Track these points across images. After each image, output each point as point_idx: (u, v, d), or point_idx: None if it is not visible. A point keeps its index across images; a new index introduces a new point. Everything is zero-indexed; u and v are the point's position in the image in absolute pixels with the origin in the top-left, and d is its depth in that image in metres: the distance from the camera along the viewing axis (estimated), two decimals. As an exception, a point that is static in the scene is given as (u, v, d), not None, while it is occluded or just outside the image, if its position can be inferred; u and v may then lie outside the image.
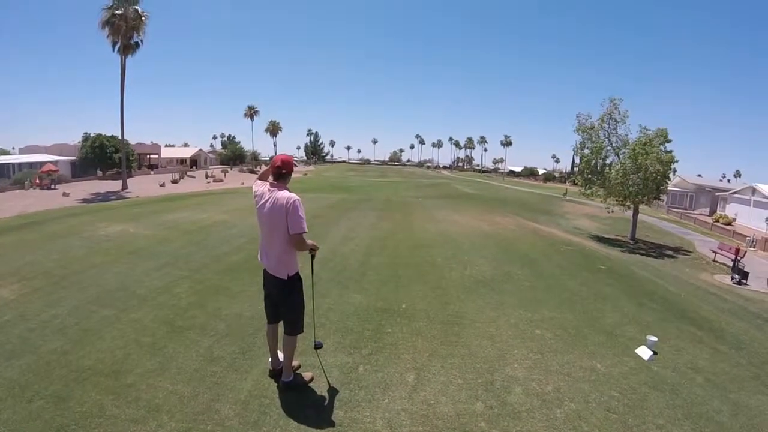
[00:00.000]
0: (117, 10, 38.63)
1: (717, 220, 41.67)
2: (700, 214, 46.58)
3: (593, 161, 27.04)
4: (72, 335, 4.76)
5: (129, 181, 43.54)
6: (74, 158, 48.85)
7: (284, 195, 3.55)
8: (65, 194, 34.03)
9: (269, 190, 3.65)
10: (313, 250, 3.85)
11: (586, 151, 27.30)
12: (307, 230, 3.58)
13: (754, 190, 40.81)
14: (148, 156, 66.93)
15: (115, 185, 41.68)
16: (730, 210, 44.36)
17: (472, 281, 8.03)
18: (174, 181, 49.05)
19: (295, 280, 3.77)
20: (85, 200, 31.65)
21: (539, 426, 3.62)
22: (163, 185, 44.12)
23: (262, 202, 3.65)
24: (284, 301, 3.80)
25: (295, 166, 4.25)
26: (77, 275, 7.08)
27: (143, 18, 40.31)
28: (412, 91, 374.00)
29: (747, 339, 7.35)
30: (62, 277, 6.94)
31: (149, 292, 6.36)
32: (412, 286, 7.47)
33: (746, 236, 29.65)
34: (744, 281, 17.00)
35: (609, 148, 27.03)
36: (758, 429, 4.13)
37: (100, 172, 49.83)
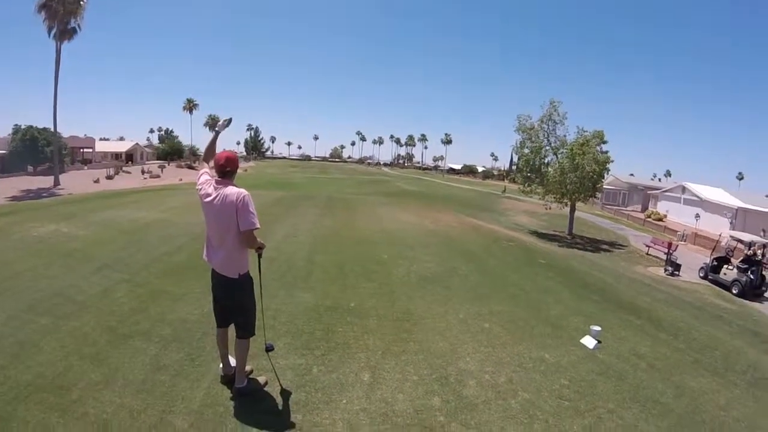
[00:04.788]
0: None
1: (649, 216, 44.80)
2: (633, 211, 49.97)
3: (532, 160, 28.26)
4: (8, 348, 4.31)
5: (62, 176, 40.74)
6: (3, 152, 45.47)
7: (233, 191, 3.47)
8: (-7, 192, 31.24)
9: (215, 187, 3.55)
10: (260, 249, 3.76)
11: (526, 151, 28.61)
12: (259, 226, 3.52)
13: (684, 189, 44.39)
14: (81, 150, 63.48)
15: (46, 181, 38.98)
16: (662, 207, 47.87)
17: (418, 278, 8.15)
18: (109, 177, 46.52)
19: (247, 279, 3.68)
20: (14, 198, 29.48)
21: (495, 416, 3.75)
22: (97, 181, 41.78)
23: (209, 199, 3.54)
24: (235, 302, 3.70)
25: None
26: (9, 281, 6.45)
27: (82, 2, 38.25)
28: (354, 88, 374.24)
29: (684, 326, 8.00)
30: (-8, 286, 6.32)
31: (88, 297, 5.92)
32: (360, 284, 7.47)
33: (677, 231, 32.04)
34: (677, 273, 18.37)
35: (548, 147, 28.53)
36: (701, 409, 4.54)
37: (30, 168, 46.61)
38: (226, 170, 3.60)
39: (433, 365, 4.61)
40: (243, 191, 3.49)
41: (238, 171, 3.80)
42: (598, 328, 5.97)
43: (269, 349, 4.27)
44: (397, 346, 5.01)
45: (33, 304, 5.57)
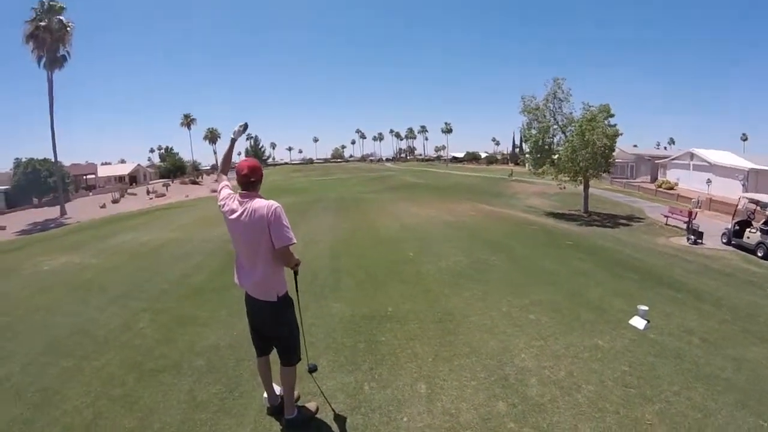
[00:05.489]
0: (41, 21, 36.53)
1: (660, 186, 44.39)
2: (643, 182, 49.59)
3: (541, 141, 27.98)
4: (30, 398, 4.13)
5: (67, 205, 41.23)
6: (7, 187, 46.22)
7: (262, 204, 3.17)
8: (1, 228, 31.55)
9: (240, 201, 3.26)
10: (296, 266, 3.47)
11: (534, 132, 28.28)
12: (296, 241, 3.22)
13: (692, 155, 43.95)
14: (84, 177, 64.70)
15: (53, 212, 39.36)
16: (671, 175, 47.44)
17: (450, 274, 8.02)
18: (115, 201, 46.98)
19: (286, 300, 3.40)
20: (23, 231, 29.67)
21: (566, 415, 3.62)
22: (103, 206, 41.99)
23: (234, 216, 3.24)
24: (277, 328, 3.41)
25: None
26: (23, 322, 6.34)
27: (68, 29, 38.28)
28: (350, 86, 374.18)
29: (722, 296, 7.85)
30: (6, 327, 6.10)
31: (108, 332, 5.76)
32: (391, 286, 7.34)
33: (691, 198, 31.65)
34: (700, 241, 18.18)
35: (556, 126, 28.16)
36: (761, 380, 4.43)
37: (36, 200, 47.26)
38: (251, 181, 3.28)
39: (489, 366, 4.46)
40: (274, 203, 3.18)
41: None
42: (646, 308, 5.83)
43: (312, 369, 4.05)
44: (447, 350, 4.86)
45: (51, 345, 5.43)
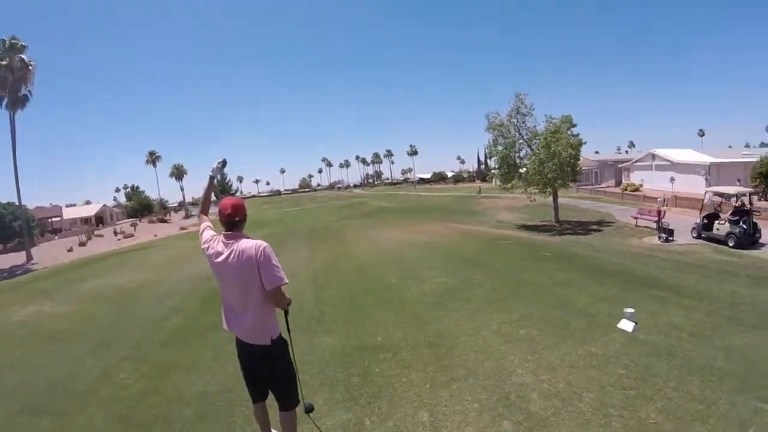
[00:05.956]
0: (1, 60, 35.40)
1: (625, 189, 45.68)
2: (608, 187, 50.94)
3: (508, 156, 28.58)
4: None
5: (33, 250, 39.46)
6: None
7: (249, 244, 3.02)
8: (-35, 277, 29.97)
9: (225, 242, 3.10)
10: (287, 305, 3.32)
11: (500, 148, 28.88)
12: (287, 281, 3.09)
13: (654, 156, 45.64)
14: (49, 219, 63.11)
15: (18, 257, 37.59)
16: (635, 177, 48.96)
17: (435, 296, 8.06)
18: (82, 244, 45.26)
19: (281, 342, 3.24)
20: None
21: (572, 425, 3.64)
22: (71, 250, 40.38)
23: (221, 259, 3.08)
24: (273, 371, 3.25)
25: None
26: None
27: (30, 67, 37.11)
28: (314, 116, 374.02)
29: (702, 288, 8.11)
30: (-23, 386, 5.87)
31: (89, 385, 5.53)
32: (378, 314, 7.32)
33: (657, 198, 32.60)
34: (671, 238, 18.74)
35: (521, 141, 28.88)
36: (754, 365, 4.61)
37: (0, 245, 45.13)
38: (235, 221, 3.13)
39: (488, 387, 4.46)
40: (261, 243, 3.04)
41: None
42: (632, 310, 5.98)
43: (309, 409, 3.83)
44: (444, 375, 4.83)
45: (28, 403, 5.20)
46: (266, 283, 3.00)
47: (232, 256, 3.03)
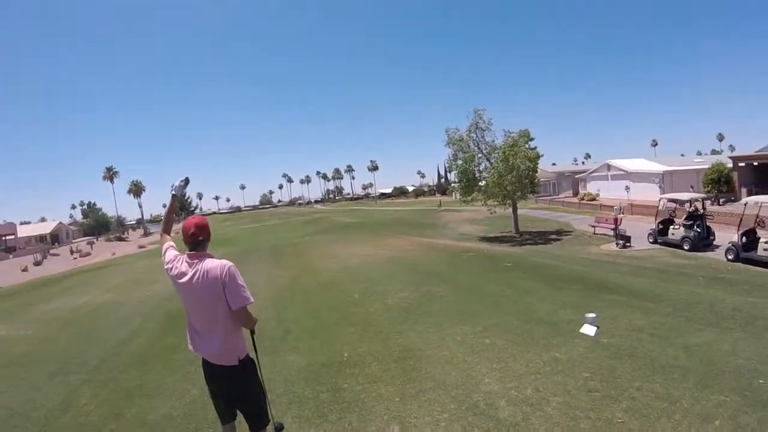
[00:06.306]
0: None
1: (582, 199, 47.20)
2: (566, 197, 52.58)
3: (467, 170, 29.11)
4: None
5: None
6: None
7: (214, 264, 2.98)
8: None
9: (189, 262, 3.05)
10: (253, 324, 3.29)
11: (460, 162, 29.41)
12: (253, 300, 3.05)
13: (609, 166, 47.52)
14: (3, 237, 61.57)
15: None
16: (592, 187, 50.76)
17: (399, 310, 8.04)
18: (37, 263, 44.03)
19: (248, 362, 3.19)
20: None
21: (541, 429, 3.66)
22: (25, 269, 39.05)
23: (184, 279, 3.02)
24: (241, 392, 3.19)
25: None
26: None
27: None
28: (273, 131, 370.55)
29: (661, 291, 8.40)
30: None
31: (48, 411, 5.27)
32: (343, 330, 7.24)
33: (613, 206, 33.76)
34: (629, 244, 19.47)
35: (480, 155, 29.52)
36: (713, 360, 4.81)
37: None
38: (199, 240, 3.09)
39: (457, 397, 4.44)
40: (227, 263, 3.01)
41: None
42: (593, 315, 6.13)
43: (279, 428, 3.74)
44: (412, 387, 4.79)
45: None
46: (232, 304, 2.95)
47: (196, 276, 2.98)
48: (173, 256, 3.17)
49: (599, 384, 4.37)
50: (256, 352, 3.37)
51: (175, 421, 4.68)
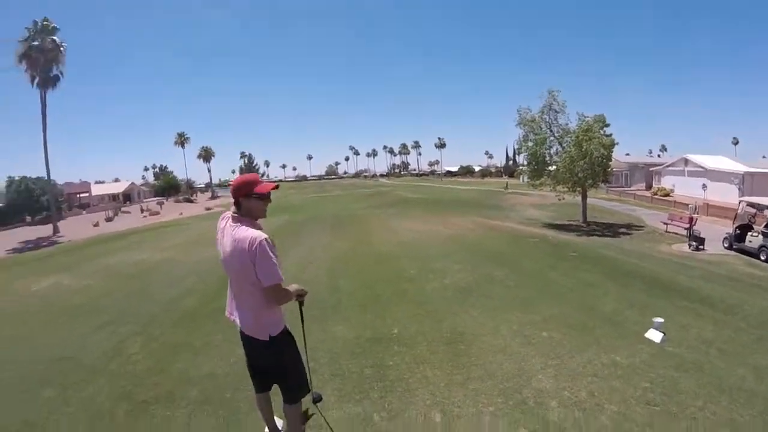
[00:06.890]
0: (33, 41, 36.76)
1: (656, 193, 44.57)
2: (638, 190, 49.75)
3: (538, 152, 28.04)
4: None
5: (60, 223, 40.85)
6: (0, 205, 46.45)
7: (246, 234, 2.73)
8: (-8, 245, 31.21)
9: (231, 224, 2.86)
10: (300, 296, 3.14)
11: (530, 144, 28.33)
12: (283, 279, 2.80)
13: (686, 161, 44.29)
14: (78, 195, 64.83)
15: (46, 230, 38.91)
16: (666, 182, 47.68)
17: (455, 291, 7.87)
18: (108, 219, 46.64)
19: (282, 338, 2.98)
20: (15, 250, 29.26)
21: (591, 439, 3.45)
22: (97, 225, 41.62)
23: (221, 243, 2.90)
24: (275, 367, 3.05)
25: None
26: (4, 348, 6.13)
27: (62, 49, 38.50)
28: (343, 104, 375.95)
29: (735, 303, 7.73)
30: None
31: (97, 358, 5.53)
32: (395, 306, 7.15)
33: (687, 204, 31.70)
34: (702, 247, 18.16)
35: (552, 138, 28.25)
36: None
37: (29, 218, 47.40)
38: (238, 200, 2.88)
39: (506, 390, 4.26)
40: (258, 236, 2.71)
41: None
42: (661, 320, 5.69)
43: (317, 399, 3.73)
44: (460, 374, 4.64)
45: (35, 372, 5.19)
46: (262, 279, 2.74)
47: (228, 242, 2.83)
48: (228, 215, 3.00)
49: (659, 397, 4.05)
50: (303, 323, 3.30)
51: (217, 379, 4.76)
